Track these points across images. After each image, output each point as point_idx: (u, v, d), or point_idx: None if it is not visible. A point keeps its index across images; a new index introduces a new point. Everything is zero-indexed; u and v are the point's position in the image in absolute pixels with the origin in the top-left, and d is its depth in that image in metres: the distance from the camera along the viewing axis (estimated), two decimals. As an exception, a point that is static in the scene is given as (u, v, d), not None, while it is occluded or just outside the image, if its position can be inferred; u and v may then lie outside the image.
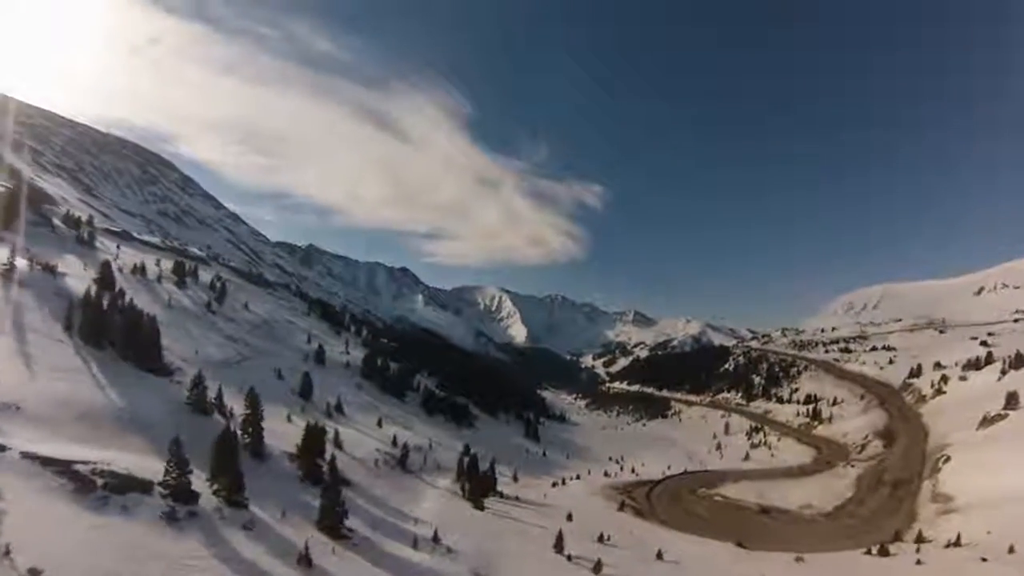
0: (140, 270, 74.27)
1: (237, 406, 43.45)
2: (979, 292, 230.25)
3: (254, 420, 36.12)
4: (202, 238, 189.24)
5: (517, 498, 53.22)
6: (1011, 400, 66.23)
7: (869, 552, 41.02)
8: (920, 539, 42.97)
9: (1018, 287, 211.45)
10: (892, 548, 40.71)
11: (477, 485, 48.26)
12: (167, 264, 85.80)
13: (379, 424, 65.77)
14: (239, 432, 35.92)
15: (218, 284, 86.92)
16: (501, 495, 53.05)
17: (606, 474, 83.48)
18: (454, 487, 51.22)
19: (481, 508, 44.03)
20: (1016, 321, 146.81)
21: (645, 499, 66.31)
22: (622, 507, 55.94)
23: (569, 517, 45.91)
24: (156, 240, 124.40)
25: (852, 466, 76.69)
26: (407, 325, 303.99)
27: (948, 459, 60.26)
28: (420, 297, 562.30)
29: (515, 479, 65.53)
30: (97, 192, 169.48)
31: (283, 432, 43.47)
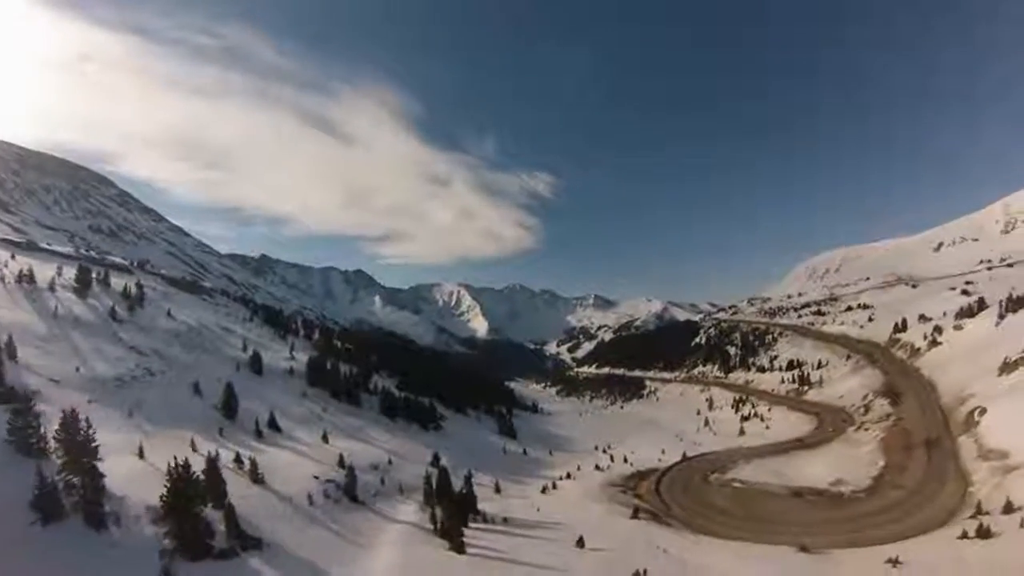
0: (27, 277, 64.14)
1: (115, 438, 30.58)
2: (938, 248, 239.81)
3: (78, 461, 22.93)
4: (140, 252, 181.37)
5: (505, 520, 42.30)
6: (1033, 340, 61.48)
7: (965, 536, 33.05)
8: (1009, 508, 35.84)
9: (976, 239, 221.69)
10: (987, 523, 32.96)
11: (452, 511, 36.89)
12: (70, 272, 73.66)
13: (324, 439, 54.27)
14: (66, 482, 22.79)
15: (133, 291, 74.99)
16: (484, 518, 42.03)
17: (598, 467, 74.63)
18: (421, 517, 39.78)
19: (461, 550, 32.66)
20: (990, 268, 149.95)
21: (654, 495, 57.32)
22: (636, 514, 46.19)
23: (580, 543, 35.38)
24: (68, 250, 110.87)
25: (865, 430, 71.11)
26: (366, 327, 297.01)
27: (984, 411, 54.55)
28: (377, 298, 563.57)
29: (497, 490, 54.78)
30: (15, 208, 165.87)
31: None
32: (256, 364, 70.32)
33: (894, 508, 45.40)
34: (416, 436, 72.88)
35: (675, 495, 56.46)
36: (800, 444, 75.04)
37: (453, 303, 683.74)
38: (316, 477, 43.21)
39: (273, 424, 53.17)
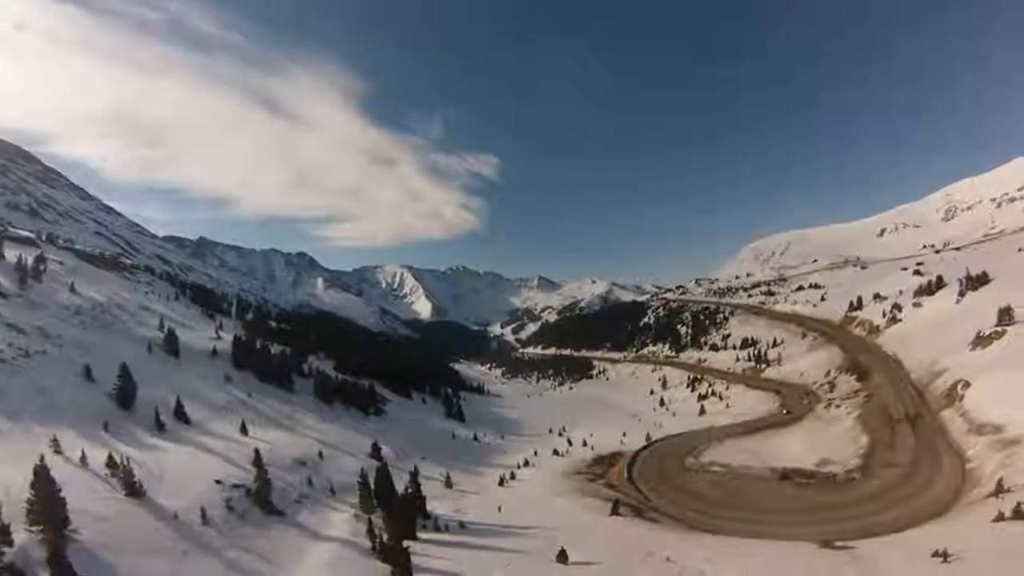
0: None
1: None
2: (881, 234, 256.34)
3: None
4: (64, 231, 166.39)
5: (462, 526, 34.70)
6: (1004, 316, 61.64)
7: (1002, 517, 29.22)
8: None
9: (918, 226, 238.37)
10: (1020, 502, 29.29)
11: (395, 520, 28.61)
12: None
13: (243, 430, 46.13)
14: None
15: (29, 263, 67.69)
16: (436, 523, 34.24)
17: (556, 452, 69.49)
18: (355, 529, 31.50)
19: (407, 574, 24.30)
20: (938, 251, 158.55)
21: (628, 484, 52.00)
22: (616, 509, 39.93)
23: (562, 556, 28.14)
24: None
25: (837, 406, 69.62)
26: (308, 311, 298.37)
27: (968, 384, 53.14)
28: (320, 281, 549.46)
29: (449, 484, 47.24)
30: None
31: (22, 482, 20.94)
32: (172, 344, 62.63)
33: (894, 489, 42.42)
34: (355, 423, 65.42)
35: (652, 483, 51.26)
36: (770, 422, 72.93)
37: (396, 285, 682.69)
38: (219, 482, 34.02)
39: (181, 414, 44.89)
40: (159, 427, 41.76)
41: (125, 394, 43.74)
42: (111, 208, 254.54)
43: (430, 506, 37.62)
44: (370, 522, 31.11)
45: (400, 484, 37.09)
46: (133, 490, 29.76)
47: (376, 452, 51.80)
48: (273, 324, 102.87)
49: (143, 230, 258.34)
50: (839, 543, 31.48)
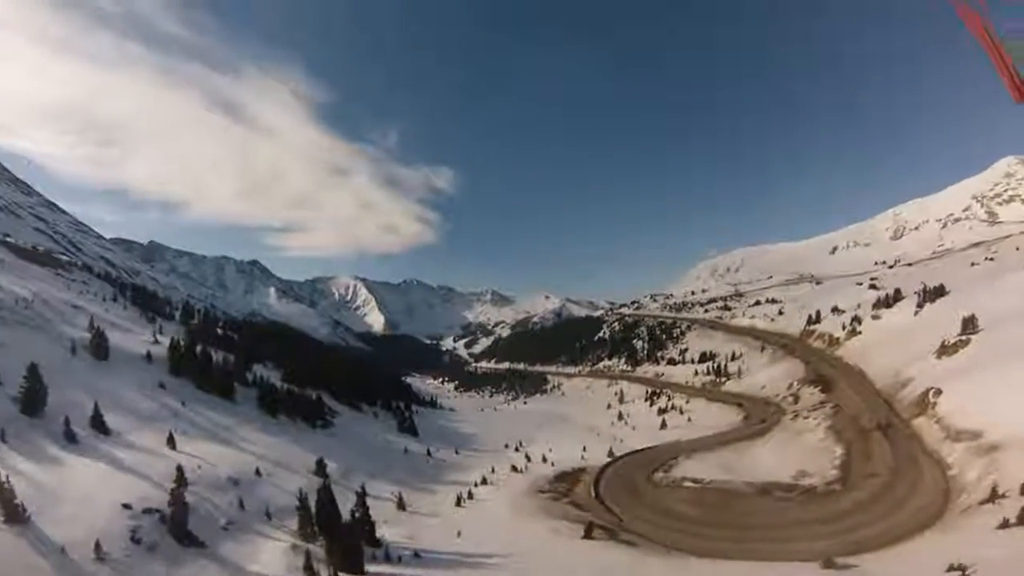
0: None
1: None
2: (833, 251, 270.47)
3: None
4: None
5: (418, 556, 29.45)
6: (968, 325, 62.62)
7: (1007, 524, 27.33)
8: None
9: (868, 244, 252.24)
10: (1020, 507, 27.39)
11: (339, 551, 23.02)
12: None
13: (171, 443, 39.84)
14: None
15: None
16: (388, 553, 28.90)
17: (515, 469, 64.57)
18: (292, 563, 26.09)
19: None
20: (891, 267, 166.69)
21: (596, 502, 47.87)
22: (589, 533, 35.41)
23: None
24: None
25: (804, 418, 68.56)
26: (260, 320, 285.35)
27: (939, 392, 52.88)
28: (273, 290, 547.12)
29: (401, 505, 41.45)
30: None
31: None
32: (100, 346, 55.82)
33: (879, 499, 40.71)
34: (301, 436, 59.59)
35: (623, 501, 47.22)
36: (737, 435, 71.15)
37: (350, 297, 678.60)
38: (127, 506, 28.00)
39: (99, 424, 38.10)
40: (69, 438, 34.92)
41: (32, 399, 36.77)
42: (55, 205, 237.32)
43: (380, 532, 32.03)
44: (308, 554, 25.25)
45: (347, 505, 31.33)
46: (14, 515, 23.76)
47: (321, 469, 45.56)
48: (219, 331, 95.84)
49: (89, 230, 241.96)
50: (841, 561, 28.39)
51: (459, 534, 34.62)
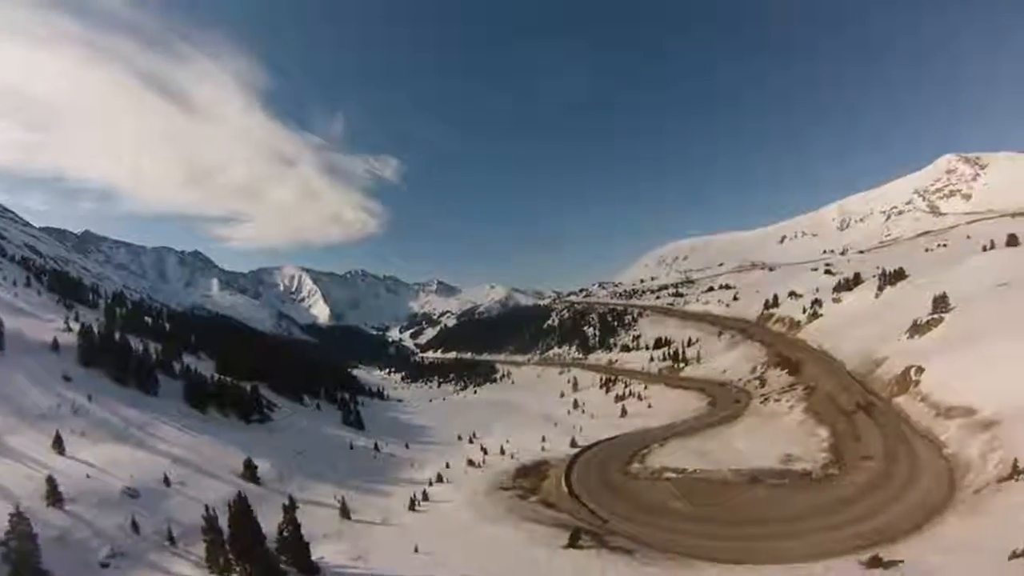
0: None
1: None
2: (782, 240, 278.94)
3: None
4: None
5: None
6: (940, 303, 62.33)
7: None
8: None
9: (815, 235, 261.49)
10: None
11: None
12: None
13: (57, 446, 33.31)
14: None
15: None
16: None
17: (472, 463, 58.91)
18: None
19: None
20: (843, 254, 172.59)
21: (571, 499, 42.24)
22: (575, 540, 29.49)
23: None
24: None
25: (776, 400, 66.54)
26: (202, 312, 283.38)
27: (921, 370, 51.62)
28: (216, 282, 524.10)
29: (345, 511, 34.06)
30: None
31: None
32: None
33: (881, 483, 37.90)
34: (232, 433, 53.02)
35: (601, 498, 41.94)
36: (707, 421, 68.12)
37: (295, 288, 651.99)
38: None
39: None
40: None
41: None
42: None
43: (318, 551, 24.97)
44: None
45: (280, 517, 23.78)
46: None
47: (251, 471, 37.28)
48: (148, 320, 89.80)
49: (16, 216, 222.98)
50: (887, 558, 24.18)
51: (416, 549, 27.81)
